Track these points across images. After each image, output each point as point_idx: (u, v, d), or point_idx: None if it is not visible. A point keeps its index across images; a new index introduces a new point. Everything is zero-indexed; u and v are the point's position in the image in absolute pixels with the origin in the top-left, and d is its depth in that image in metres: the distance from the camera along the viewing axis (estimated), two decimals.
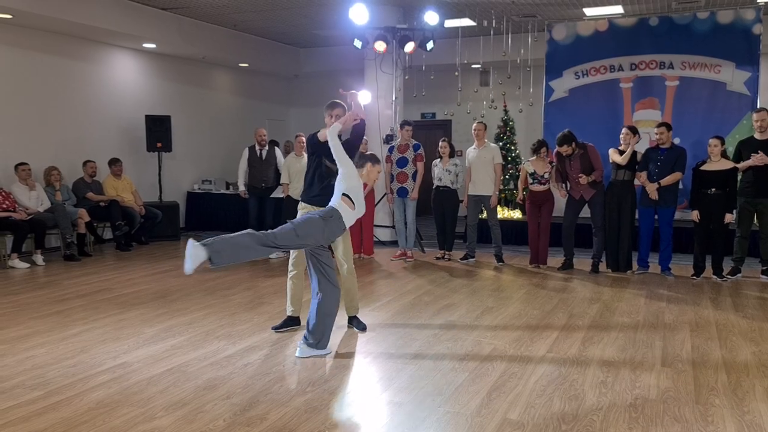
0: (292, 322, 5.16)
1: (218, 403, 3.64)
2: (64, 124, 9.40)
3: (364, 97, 9.61)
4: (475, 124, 8.16)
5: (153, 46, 10.39)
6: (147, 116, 10.22)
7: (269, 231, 4.13)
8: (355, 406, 3.65)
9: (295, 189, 8.47)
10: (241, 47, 11.83)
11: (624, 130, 7.32)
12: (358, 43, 8.97)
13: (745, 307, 5.88)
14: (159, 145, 10.14)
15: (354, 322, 5.19)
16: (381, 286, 6.89)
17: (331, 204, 4.36)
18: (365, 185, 4.56)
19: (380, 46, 8.89)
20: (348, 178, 4.36)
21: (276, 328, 5.10)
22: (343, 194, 4.32)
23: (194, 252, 3.81)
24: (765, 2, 8.95)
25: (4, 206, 7.84)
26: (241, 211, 10.50)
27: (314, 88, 13.89)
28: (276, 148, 9.10)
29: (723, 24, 8.95)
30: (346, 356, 4.52)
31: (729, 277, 7.04)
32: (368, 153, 4.89)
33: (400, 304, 6.06)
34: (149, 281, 7.05)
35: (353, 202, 4.33)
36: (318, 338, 4.45)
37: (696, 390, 3.86)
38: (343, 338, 4.94)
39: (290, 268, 5.13)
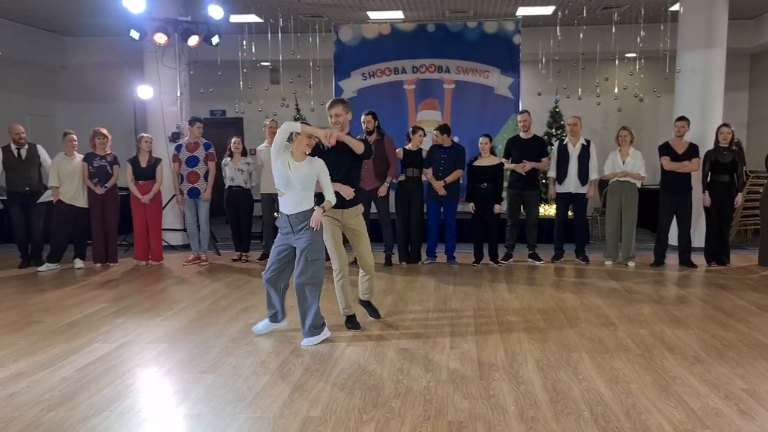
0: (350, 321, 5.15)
1: None
2: None
3: (144, 92, 8.97)
4: (267, 122, 8.03)
5: None
6: None
7: (312, 280, 4.64)
8: (148, 426, 3.34)
9: (68, 192, 7.62)
10: None
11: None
12: (135, 35, 8.28)
13: (517, 288, 6.56)
14: None
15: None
16: (174, 293, 6.46)
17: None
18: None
19: (160, 38, 8.31)
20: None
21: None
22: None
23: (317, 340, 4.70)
24: (523, 15, 10.09)
25: None
26: (0, 220, 9.18)
27: (85, 80, 12.57)
28: (38, 146, 8.00)
29: (489, 33, 9.90)
30: (137, 373, 4.14)
31: (503, 262, 7.80)
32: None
33: (194, 310, 5.73)
34: None
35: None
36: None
37: (480, 368, 4.18)
38: (132, 354, 4.53)
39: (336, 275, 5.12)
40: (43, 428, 3.28)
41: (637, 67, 9.41)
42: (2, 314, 5.59)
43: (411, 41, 10.03)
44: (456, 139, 8.26)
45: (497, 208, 7.51)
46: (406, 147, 7.72)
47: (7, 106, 11.44)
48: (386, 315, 5.51)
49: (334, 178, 4.79)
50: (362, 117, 7.45)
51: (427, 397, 3.69)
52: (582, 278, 7.03)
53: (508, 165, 7.65)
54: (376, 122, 7.42)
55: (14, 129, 7.76)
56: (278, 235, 4.76)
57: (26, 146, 7.79)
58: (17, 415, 3.44)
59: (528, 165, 7.55)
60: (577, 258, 7.92)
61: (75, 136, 7.77)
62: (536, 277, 7.09)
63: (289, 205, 4.63)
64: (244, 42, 9.55)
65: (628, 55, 10.52)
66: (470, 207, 7.60)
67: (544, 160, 7.76)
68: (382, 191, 7.51)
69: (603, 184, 8.11)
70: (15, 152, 7.74)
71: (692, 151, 7.47)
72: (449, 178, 7.57)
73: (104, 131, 7.85)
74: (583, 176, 7.67)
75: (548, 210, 9.41)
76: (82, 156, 7.76)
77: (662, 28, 8.84)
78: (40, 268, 7.68)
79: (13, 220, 7.85)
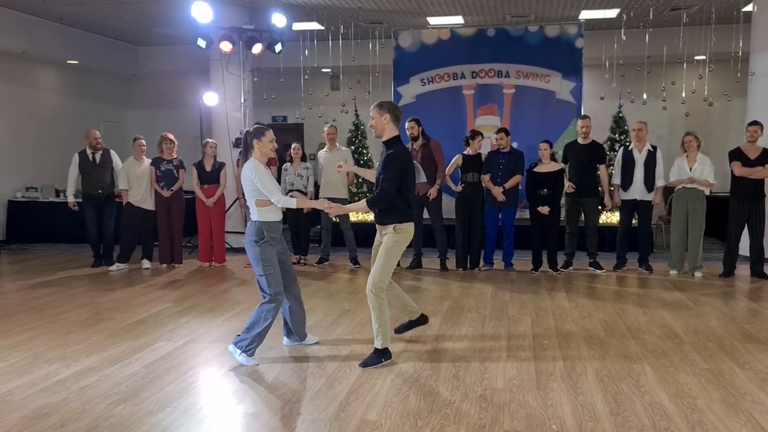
0: (411, 324, 4.98)
1: None
2: None
3: (210, 99, 9.22)
4: (326, 128, 8.15)
5: None
6: None
7: (263, 294, 4.47)
8: (209, 423, 3.45)
9: (136, 195, 7.94)
10: (69, 43, 10.86)
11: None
12: (202, 43, 8.59)
13: (576, 297, 6.42)
14: None
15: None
16: (235, 294, 6.64)
17: (252, 220, 4.42)
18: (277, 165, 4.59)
19: (226, 46, 8.59)
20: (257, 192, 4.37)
21: (398, 331, 4.97)
22: (256, 203, 4.36)
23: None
24: (586, 19, 9.89)
25: None
26: (75, 221, 9.64)
27: (154, 88, 13.13)
28: (111, 151, 8.38)
29: (550, 37, 9.75)
30: (199, 371, 4.28)
31: (562, 270, 7.65)
32: (252, 128, 4.49)
33: None
34: None
35: (267, 199, 4.35)
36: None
37: (537, 377, 4.12)
38: (195, 352, 4.68)
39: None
40: (112, 421, 3.44)
41: (707, 70, 9.06)
42: (76, 311, 5.88)
43: (471, 46, 9.98)
44: (515, 144, 8.16)
45: (543, 209, 7.36)
46: (465, 152, 7.69)
47: (83, 112, 12.05)
48: (442, 321, 5.50)
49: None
50: (406, 124, 7.52)
51: (482, 404, 3.66)
52: (645, 288, 6.82)
53: (569, 186, 7.50)
54: (420, 128, 7.51)
55: (92, 134, 8.16)
56: (269, 248, 4.39)
57: (101, 151, 8.18)
58: (89, 408, 3.61)
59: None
60: (640, 267, 7.69)
61: (144, 141, 8.10)
62: (597, 286, 6.92)
63: (279, 211, 4.46)
64: (306, 50, 9.73)
65: (696, 57, 10.15)
66: (544, 209, 7.38)
67: (601, 166, 7.61)
68: (432, 193, 7.50)
69: (668, 191, 7.85)
70: (90, 156, 8.14)
71: (766, 156, 7.14)
72: (508, 184, 7.49)
73: (171, 136, 8.15)
74: (649, 183, 7.45)
75: (610, 217, 9.17)
76: (150, 160, 8.08)
77: (734, 30, 8.48)
78: (110, 268, 8.04)
79: (87, 221, 8.24)
